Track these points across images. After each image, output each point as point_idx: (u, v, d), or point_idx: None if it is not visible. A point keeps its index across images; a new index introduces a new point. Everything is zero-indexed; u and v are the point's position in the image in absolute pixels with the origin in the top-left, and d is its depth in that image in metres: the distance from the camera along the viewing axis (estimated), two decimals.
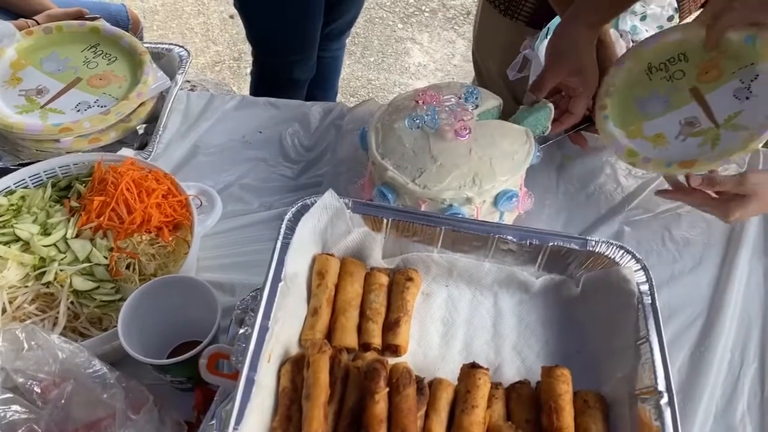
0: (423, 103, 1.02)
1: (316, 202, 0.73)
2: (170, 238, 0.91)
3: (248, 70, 2.95)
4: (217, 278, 0.95)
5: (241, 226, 1.04)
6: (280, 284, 0.67)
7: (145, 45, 1.21)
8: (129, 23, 2.07)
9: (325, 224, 0.75)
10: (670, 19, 1.28)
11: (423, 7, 3.29)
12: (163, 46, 1.26)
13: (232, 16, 3.16)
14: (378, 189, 0.97)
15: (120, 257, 0.87)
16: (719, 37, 0.96)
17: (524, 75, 1.32)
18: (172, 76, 1.21)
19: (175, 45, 1.26)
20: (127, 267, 0.88)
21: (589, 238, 0.77)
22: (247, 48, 3.04)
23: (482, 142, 0.97)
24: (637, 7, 1.22)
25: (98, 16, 1.43)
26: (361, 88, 2.82)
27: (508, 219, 1.02)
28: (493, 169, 0.94)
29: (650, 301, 0.71)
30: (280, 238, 0.70)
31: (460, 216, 0.90)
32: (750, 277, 1.00)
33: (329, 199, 0.74)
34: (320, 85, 2.37)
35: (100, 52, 1.18)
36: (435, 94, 1.02)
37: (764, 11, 0.92)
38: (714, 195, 0.94)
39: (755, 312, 0.96)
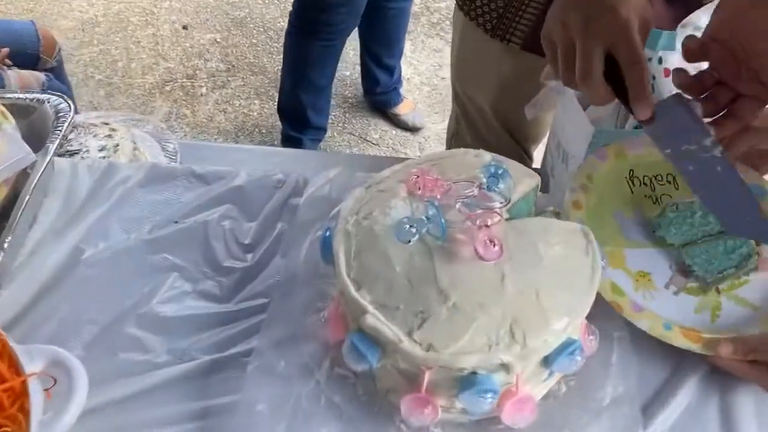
0: (419, 190, 0.64)
1: None
2: None
3: (203, 90, 2.55)
4: None
5: (138, 392, 0.65)
6: None
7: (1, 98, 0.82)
8: (39, 44, 1.67)
9: None
10: None
11: None
12: (32, 96, 0.86)
13: (185, 27, 2.76)
14: (351, 340, 0.59)
15: None
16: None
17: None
18: (44, 140, 0.81)
19: (52, 94, 0.86)
20: None
21: None
22: (202, 64, 2.65)
23: (520, 259, 0.59)
24: None
25: None
26: (336, 107, 2.43)
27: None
28: (543, 309, 0.56)
29: None
30: None
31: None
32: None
33: None
34: (384, 42, 2.13)
35: None
36: (438, 179, 0.63)
37: None
38: None
39: None
